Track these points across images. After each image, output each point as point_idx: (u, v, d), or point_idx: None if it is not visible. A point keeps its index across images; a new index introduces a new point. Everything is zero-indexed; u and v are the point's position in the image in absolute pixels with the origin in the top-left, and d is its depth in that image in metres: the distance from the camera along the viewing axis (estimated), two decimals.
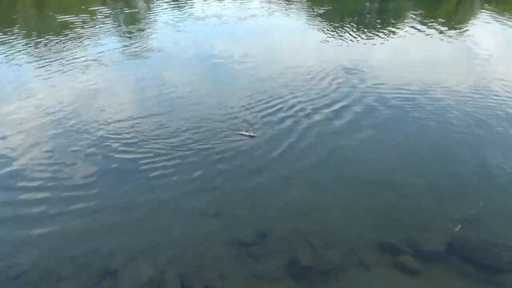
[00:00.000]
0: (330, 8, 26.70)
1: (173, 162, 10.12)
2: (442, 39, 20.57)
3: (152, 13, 24.72)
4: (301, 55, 17.90)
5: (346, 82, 14.90)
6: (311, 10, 25.80)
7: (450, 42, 20.39)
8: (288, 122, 12.03)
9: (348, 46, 19.16)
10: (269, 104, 13.05)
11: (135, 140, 11.03)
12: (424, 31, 21.81)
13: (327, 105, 13.06)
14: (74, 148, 10.75)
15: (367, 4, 29.73)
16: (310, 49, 19.00)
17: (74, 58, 17.18)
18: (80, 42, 19.48)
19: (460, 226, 8.28)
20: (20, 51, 17.91)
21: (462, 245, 7.93)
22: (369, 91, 14.17)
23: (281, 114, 12.48)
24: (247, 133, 10.88)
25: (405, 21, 23.83)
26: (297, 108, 12.88)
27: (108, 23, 22.63)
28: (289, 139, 11.04)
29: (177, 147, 10.68)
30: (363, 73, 15.72)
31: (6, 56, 17.21)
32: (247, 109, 12.72)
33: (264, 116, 12.35)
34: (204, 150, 10.58)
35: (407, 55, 18.35)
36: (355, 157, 10.38)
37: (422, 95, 14.07)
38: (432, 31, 21.86)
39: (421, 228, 8.25)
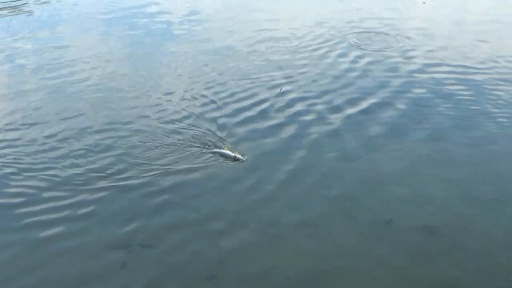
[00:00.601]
0: None
1: (79, 209, 6.94)
2: None
3: None
4: (293, 14, 14.16)
5: (367, 59, 11.27)
6: None
7: None
8: (280, 131, 8.69)
9: None
10: (247, 100, 9.60)
11: (4, 169, 7.70)
12: None
13: (341, 101, 9.61)
14: None
15: None
16: (307, 2, 15.07)
17: None
18: None
19: None
20: None
21: None
22: (408, 75, 10.57)
23: (270, 118, 9.09)
24: (232, 154, 7.73)
25: None
26: (294, 105, 9.48)
27: None
28: (284, 162, 7.90)
29: (83, 182, 7.42)
30: (393, 42, 12.15)
31: None
32: (213, 108, 9.41)
33: (240, 121, 8.97)
34: (137, 185, 7.35)
35: (468, 12, 14.34)
36: (391, 192, 7.32)
37: (502, 81, 10.28)
38: None
39: None
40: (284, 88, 9.86)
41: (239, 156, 7.58)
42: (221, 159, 7.75)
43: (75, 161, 7.75)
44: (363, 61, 11.16)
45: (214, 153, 7.71)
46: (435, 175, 7.66)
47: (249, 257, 6.19)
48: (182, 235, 6.48)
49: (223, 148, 7.81)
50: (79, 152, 7.98)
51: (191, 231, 6.52)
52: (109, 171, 7.53)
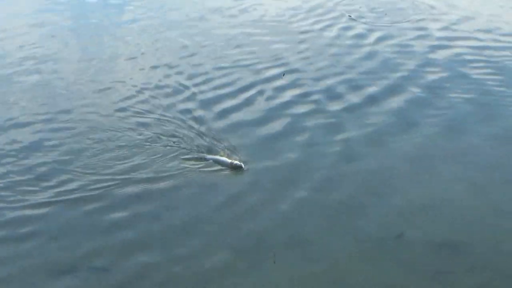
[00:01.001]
0: None
1: (16, 229, 6.09)
2: None
3: None
4: None
5: (387, 38, 10.34)
6: None
7: None
8: (288, 132, 7.69)
9: None
10: (238, 94, 8.59)
11: None
12: None
13: (358, 91, 8.66)
14: None
15: None
16: None
17: None
18: None
19: None
20: None
21: None
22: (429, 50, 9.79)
23: (270, 113, 8.10)
24: (229, 161, 6.88)
25: None
26: (300, 97, 8.52)
27: None
28: (293, 178, 6.83)
29: (21, 195, 6.53)
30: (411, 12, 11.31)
31: None
32: (192, 107, 8.35)
33: (231, 120, 7.99)
34: (89, 198, 6.47)
35: None
36: (401, 199, 6.40)
37: None
38: None
39: None
40: (287, 80, 8.95)
41: (239, 163, 6.76)
42: (214, 167, 6.97)
43: (10, 168, 6.88)
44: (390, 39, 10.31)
45: (208, 159, 6.95)
46: (456, 177, 6.77)
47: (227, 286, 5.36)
48: (146, 257, 5.65)
49: (221, 154, 7.04)
50: (15, 157, 7.10)
51: (158, 254, 5.70)
52: (53, 181, 6.72)
